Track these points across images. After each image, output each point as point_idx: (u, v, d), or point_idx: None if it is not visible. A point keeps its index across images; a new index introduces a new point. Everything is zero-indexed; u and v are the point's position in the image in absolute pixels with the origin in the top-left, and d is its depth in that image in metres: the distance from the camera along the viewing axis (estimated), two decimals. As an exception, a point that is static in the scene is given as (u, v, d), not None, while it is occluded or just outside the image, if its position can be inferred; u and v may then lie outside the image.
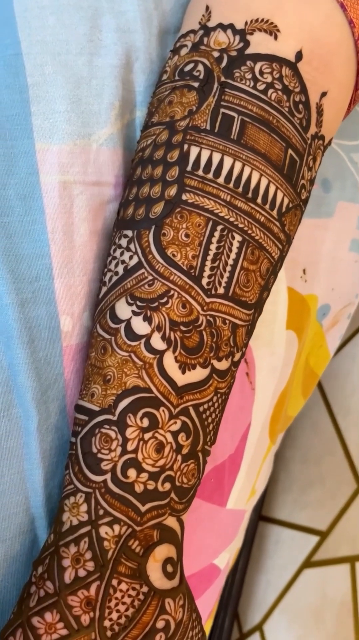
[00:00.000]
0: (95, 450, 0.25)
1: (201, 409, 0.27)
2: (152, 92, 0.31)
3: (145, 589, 0.25)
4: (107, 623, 0.25)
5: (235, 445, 0.37)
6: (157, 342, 0.26)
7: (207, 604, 0.40)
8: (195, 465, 0.27)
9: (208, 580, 0.38)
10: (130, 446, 0.25)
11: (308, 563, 0.59)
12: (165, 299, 0.26)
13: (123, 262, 0.27)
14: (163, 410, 0.26)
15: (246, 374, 0.37)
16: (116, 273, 0.27)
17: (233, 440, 0.37)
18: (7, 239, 0.27)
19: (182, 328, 0.26)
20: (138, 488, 0.25)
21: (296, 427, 0.67)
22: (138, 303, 0.26)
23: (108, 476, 0.25)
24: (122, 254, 0.27)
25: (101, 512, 0.25)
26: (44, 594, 0.25)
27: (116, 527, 0.25)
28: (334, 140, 0.41)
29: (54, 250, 0.28)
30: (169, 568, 0.26)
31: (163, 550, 0.26)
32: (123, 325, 0.26)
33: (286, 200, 0.28)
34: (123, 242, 0.28)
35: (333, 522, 0.58)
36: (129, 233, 0.27)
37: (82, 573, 0.24)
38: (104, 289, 0.28)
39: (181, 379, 0.26)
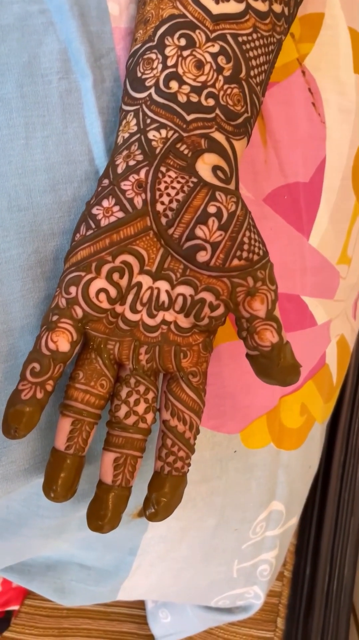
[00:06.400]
0: (139, 74, 0.27)
1: (240, 39, 0.28)
2: None
3: (194, 179, 0.26)
4: (159, 207, 0.26)
5: (309, 174, 0.36)
6: None
7: (305, 353, 0.38)
8: (239, 90, 0.28)
9: (298, 318, 0.37)
10: (170, 62, 0.27)
11: None
12: None
13: None
14: (199, 33, 0.27)
15: (312, 103, 0.37)
16: None
17: (306, 167, 0.36)
18: None
19: None
20: (182, 98, 0.27)
21: None
22: None
23: (152, 90, 0.27)
24: None
25: (148, 120, 0.27)
26: (100, 189, 0.26)
27: (163, 131, 0.26)
28: None
29: None
30: (220, 174, 0.26)
31: (213, 158, 0.26)
32: None
33: None
34: None
35: None
36: None
37: (132, 163, 0.26)
38: None
39: (215, 8, 0.27)
